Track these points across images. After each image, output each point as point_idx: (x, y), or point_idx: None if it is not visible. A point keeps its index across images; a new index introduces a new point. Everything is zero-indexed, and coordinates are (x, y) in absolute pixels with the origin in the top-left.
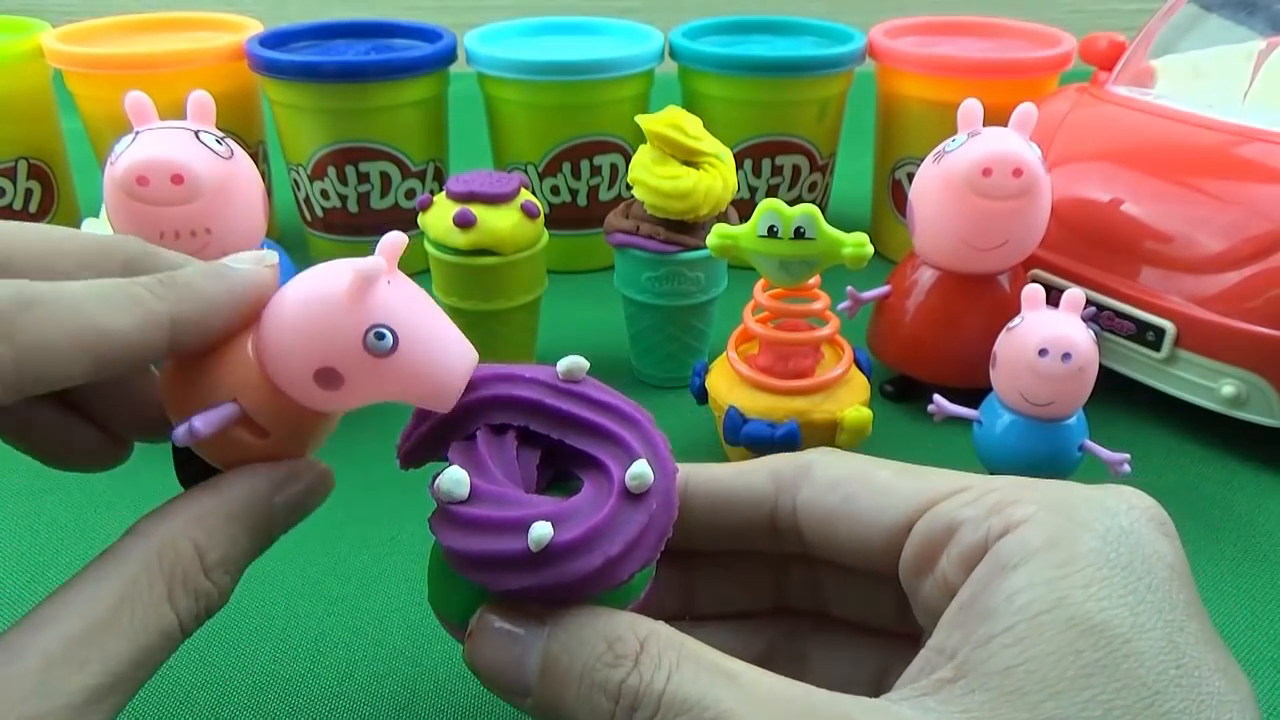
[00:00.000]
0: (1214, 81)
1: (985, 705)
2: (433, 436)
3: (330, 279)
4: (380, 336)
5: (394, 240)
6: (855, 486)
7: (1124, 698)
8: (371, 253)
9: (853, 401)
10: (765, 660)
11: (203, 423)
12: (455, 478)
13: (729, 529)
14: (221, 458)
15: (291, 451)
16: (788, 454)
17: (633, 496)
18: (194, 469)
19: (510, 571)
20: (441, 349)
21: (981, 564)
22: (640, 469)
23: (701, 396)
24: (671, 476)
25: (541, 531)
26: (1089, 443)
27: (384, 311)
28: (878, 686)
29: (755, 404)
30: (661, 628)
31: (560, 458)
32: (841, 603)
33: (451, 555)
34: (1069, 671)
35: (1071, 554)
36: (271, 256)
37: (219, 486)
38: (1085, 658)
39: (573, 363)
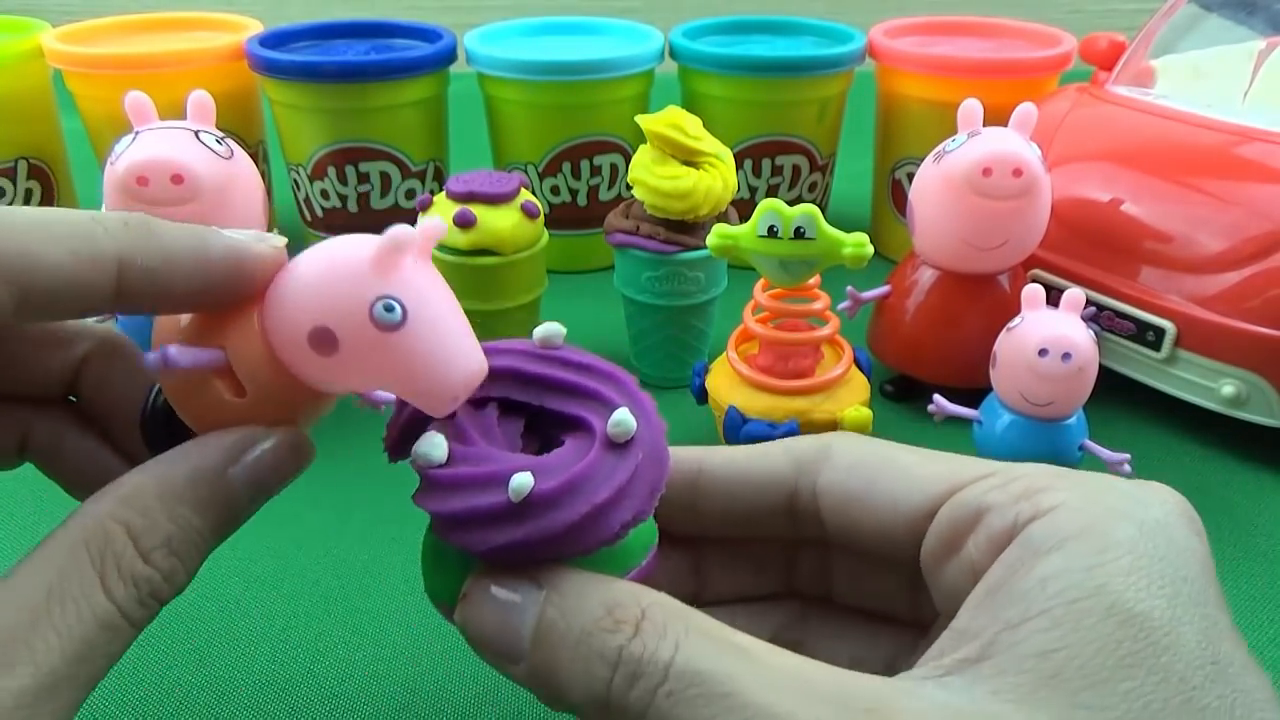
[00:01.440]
0: (1214, 81)
1: (1018, 688)
2: (415, 422)
3: (355, 243)
4: (389, 309)
5: (435, 225)
6: (877, 470)
7: (1162, 692)
8: None
9: (853, 401)
10: (789, 628)
11: (179, 352)
12: (432, 441)
13: (746, 512)
14: (195, 415)
15: (271, 419)
16: (806, 437)
17: (616, 446)
18: (162, 434)
19: (494, 527)
20: (451, 344)
21: (1011, 548)
22: (621, 416)
23: (701, 396)
24: (659, 431)
25: (522, 481)
26: (1089, 443)
27: (400, 285)
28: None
29: (755, 404)
30: (666, 598)
31: (544, 425)
32: (851, 589)
33: (436, 521)
34: (1109, 661)
35: (1108, 541)
36: (278, 239)
37: (161, 459)
38: (1125, 648)
39: (549, 329)
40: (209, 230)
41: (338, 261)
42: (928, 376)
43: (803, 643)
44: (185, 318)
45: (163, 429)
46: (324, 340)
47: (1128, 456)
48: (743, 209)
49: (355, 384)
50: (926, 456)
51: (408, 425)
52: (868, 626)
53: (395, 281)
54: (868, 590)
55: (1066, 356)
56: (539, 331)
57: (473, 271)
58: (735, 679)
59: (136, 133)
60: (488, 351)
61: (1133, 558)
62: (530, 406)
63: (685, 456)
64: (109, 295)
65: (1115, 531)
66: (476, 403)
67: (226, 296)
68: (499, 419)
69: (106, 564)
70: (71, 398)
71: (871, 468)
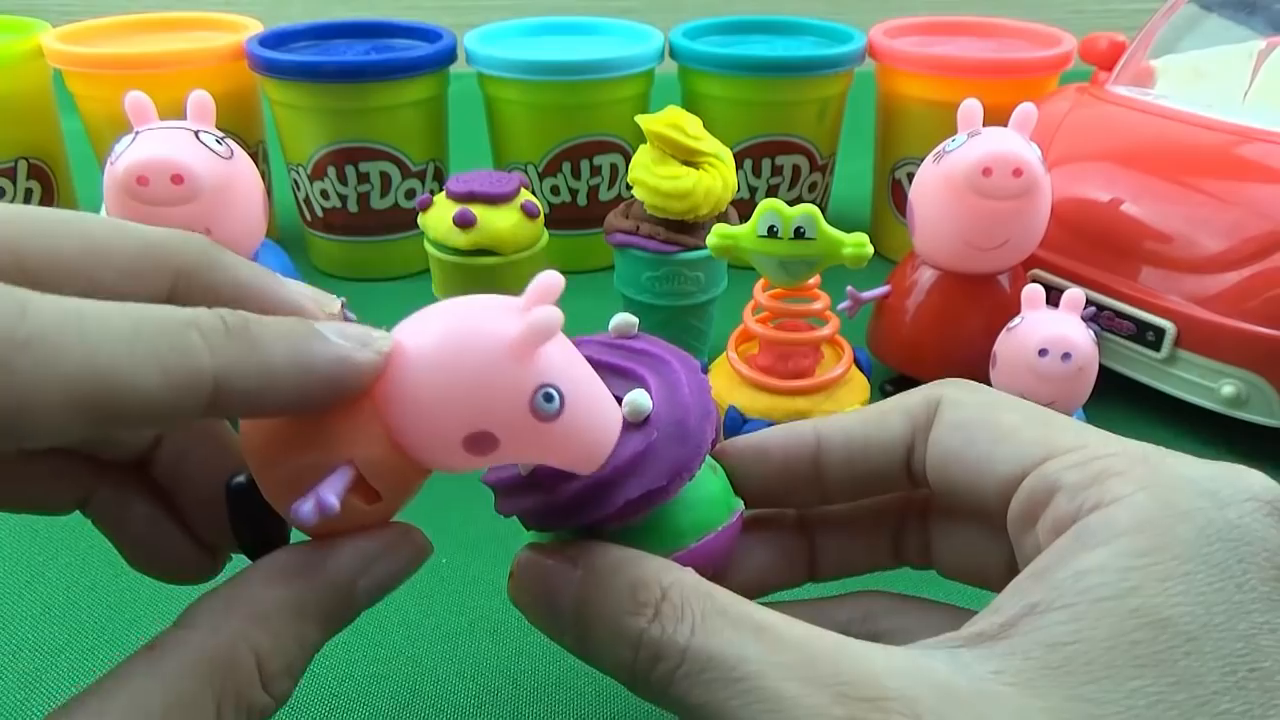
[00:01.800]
0: (1214, 81)
1: (1021, 673)
2: None
3: (488, 328)
4: (549, 399)
5: (553, 283)
6: (979, 429)
7: (1176, 693)
8: (374, 252)
9: (853, 401)
10: (864, 620)
11: (333, 493)
12: None
13: (870, 476)
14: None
15: (388, 516)
16: (918, 390)
17: (632, 425)
18: (256, 522)
19: (513, 496)
20: (600, 411)
21: (1065, 535)
22: (634, 397)
23: None
24: (690, 413)
25: None
26: None
27: (553, 370)
28: None
29: (755, 404)
30: (688, 575)
31: None
32: (954, 562)
33: (493, 492)
34: (1119, 659)
35: (1157, 543)
36: (384, 341)
37: (292, 571)
38: (1141, 649)
39: (621, 320)
40: (313, 335)
41: (480, 355)
42: (928, 376)
43: (899, 625)
44: (277, 422)
45: (256, 522)
46: (483, 442)
47: None
48: (743, 209)
49: (499, 464)
50: (1029, 419)
51: None
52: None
53: (546, 367)
54: (969, 563)
55: (1066, 356)
56: (613, 322)
57: (473, 271)
58: (746, 663)
59: (136, 133)
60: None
61: (1178, 562)
62: None
63: (800, 430)
64: (197, 416)
65: (1169, 533)
66: None
67: (322, 405)
68: None
69: (226, 695)
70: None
71: (974, 426)
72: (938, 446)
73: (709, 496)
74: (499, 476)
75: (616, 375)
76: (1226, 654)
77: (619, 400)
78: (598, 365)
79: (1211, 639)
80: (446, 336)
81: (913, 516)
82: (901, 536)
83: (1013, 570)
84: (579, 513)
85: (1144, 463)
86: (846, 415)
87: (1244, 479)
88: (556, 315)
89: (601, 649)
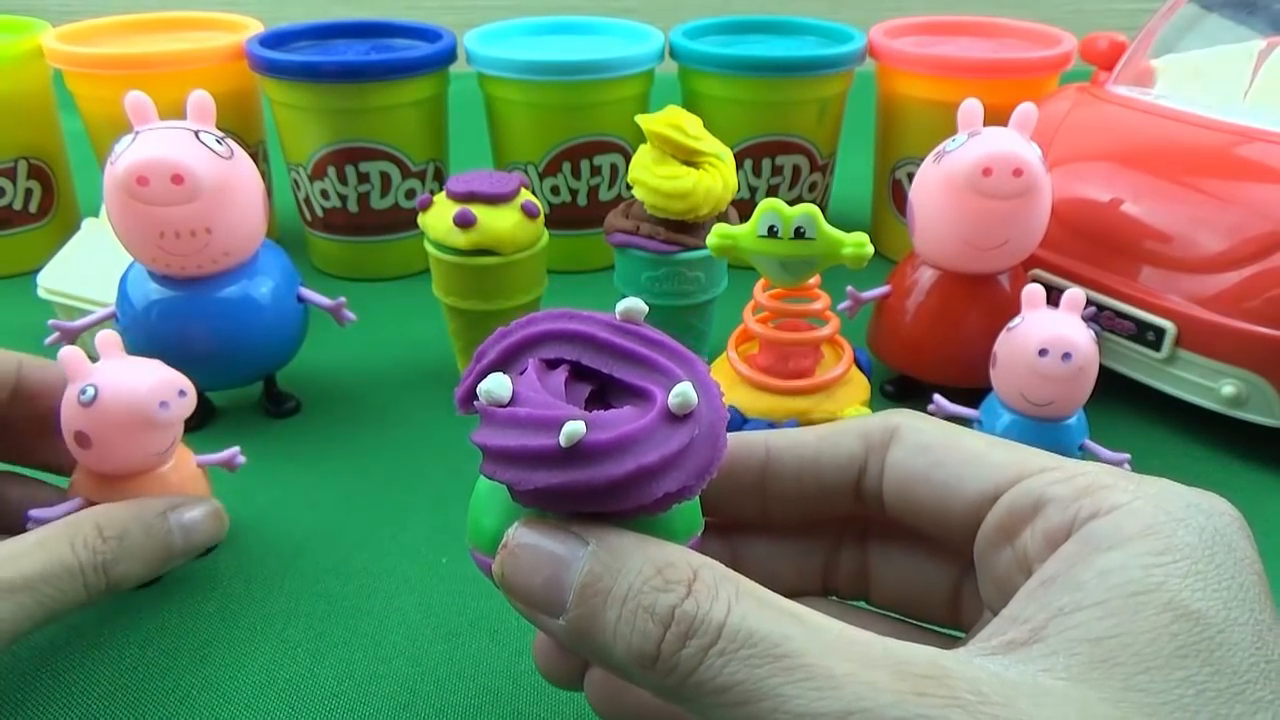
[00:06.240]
0: (1214, 81)
1: (1070, 668)
2: (488, 374)
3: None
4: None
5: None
6: (945, 451)
7: (1217, 682)
8: (374, 252)
9: (853, 401)
10: None
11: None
12: (499, 381)
13: (816, 493)
14: None
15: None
16: (873, 416)
17: (674, 418)
18: None
19: (539, 468)
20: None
21: (1070, 542)
22: (684, 389)
23: None
24: (720, 415)
25: (574, 428)
26: (1089, 443)
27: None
28: None
29: (755, 404)
30: (714, 561)
31: (612, 395)
32: (891, 589)
33: (486, 456)
34: (1164, 650)
35: (1169, 544)
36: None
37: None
38: (1180, 640)
39: (631, 304)
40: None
41: None
42: (928, 376)
43: None
44: None
45: None
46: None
47: (1127, 457)
48: (743, 209)
49: None
50: (993, 444)
51: (480, 377)
52: (903, 632)
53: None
54: (910, 589)
55: (1066, 356)
56: (621, 305)
57: (473, 271)
58: (790, 641)
59: (136, 133)
60: (569, 315)
61: (1191, 562)
62: (600, 374)
63: (750, 440)
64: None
65: (1176, 536)
66: (550, 363)
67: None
68: (568, 381)
69: (76, 538)
70: None
71: (940, 449)
72: (899, 467)
73: (693, 503)
74: (525, 443)
75: (645, 366)
76: (1248, 645)
77: (648, 392)
78: (612, 349)
79: (1234, 631)
80: None
81: (850, 540)
82: (835, 560)
83: (957, 595)
84: (611, 498)
85: (1127, 478)
86: (799, 431)
87: (1216, 500)
88: None
89: (618, 628)
